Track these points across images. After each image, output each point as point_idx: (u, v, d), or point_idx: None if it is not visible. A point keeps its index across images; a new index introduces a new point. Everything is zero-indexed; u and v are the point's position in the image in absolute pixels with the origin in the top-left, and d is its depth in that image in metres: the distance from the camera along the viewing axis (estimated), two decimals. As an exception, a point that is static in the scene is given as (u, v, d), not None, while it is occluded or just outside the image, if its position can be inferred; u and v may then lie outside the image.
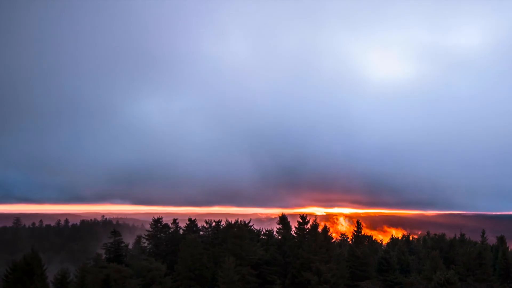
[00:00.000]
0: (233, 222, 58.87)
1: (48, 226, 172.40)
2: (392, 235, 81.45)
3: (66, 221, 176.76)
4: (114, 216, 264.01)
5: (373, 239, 73.41)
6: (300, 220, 57.74)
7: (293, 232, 58.30)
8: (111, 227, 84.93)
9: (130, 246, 59.44)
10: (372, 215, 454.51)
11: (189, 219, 63.96)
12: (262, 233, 62.53)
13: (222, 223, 62.00)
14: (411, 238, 76.65)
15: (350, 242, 66.92)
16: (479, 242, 71.59)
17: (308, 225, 57.12)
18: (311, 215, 60.15)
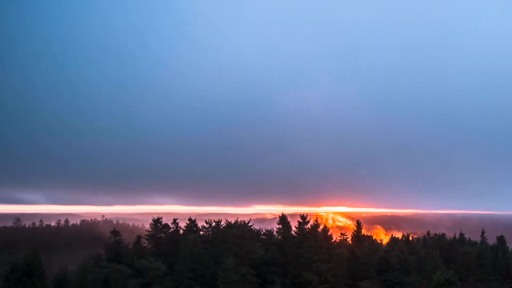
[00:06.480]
0: (233, 222, 58.91)
1: (48, 226, 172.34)
2: (392, 235, 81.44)
3: (66, 221, 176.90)
4: (114, 216, 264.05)
5: (373, 238, 73.40)
6: (300, 220, 57.78)
7: (293, 232, 58.32)
8: (111, 227, 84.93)
9: (130, 246, 59.48)
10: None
11: (189, 219, 63.90)
12: (262, 233, 62.55)
13: (222, 223, 62.01)
14: (411, 238, 76.63)
15: (350, 242, 67.05)
16: (479, 242, 71.72)
17: (308, 225, 57.19)
18: (311, 215, 60.14)
